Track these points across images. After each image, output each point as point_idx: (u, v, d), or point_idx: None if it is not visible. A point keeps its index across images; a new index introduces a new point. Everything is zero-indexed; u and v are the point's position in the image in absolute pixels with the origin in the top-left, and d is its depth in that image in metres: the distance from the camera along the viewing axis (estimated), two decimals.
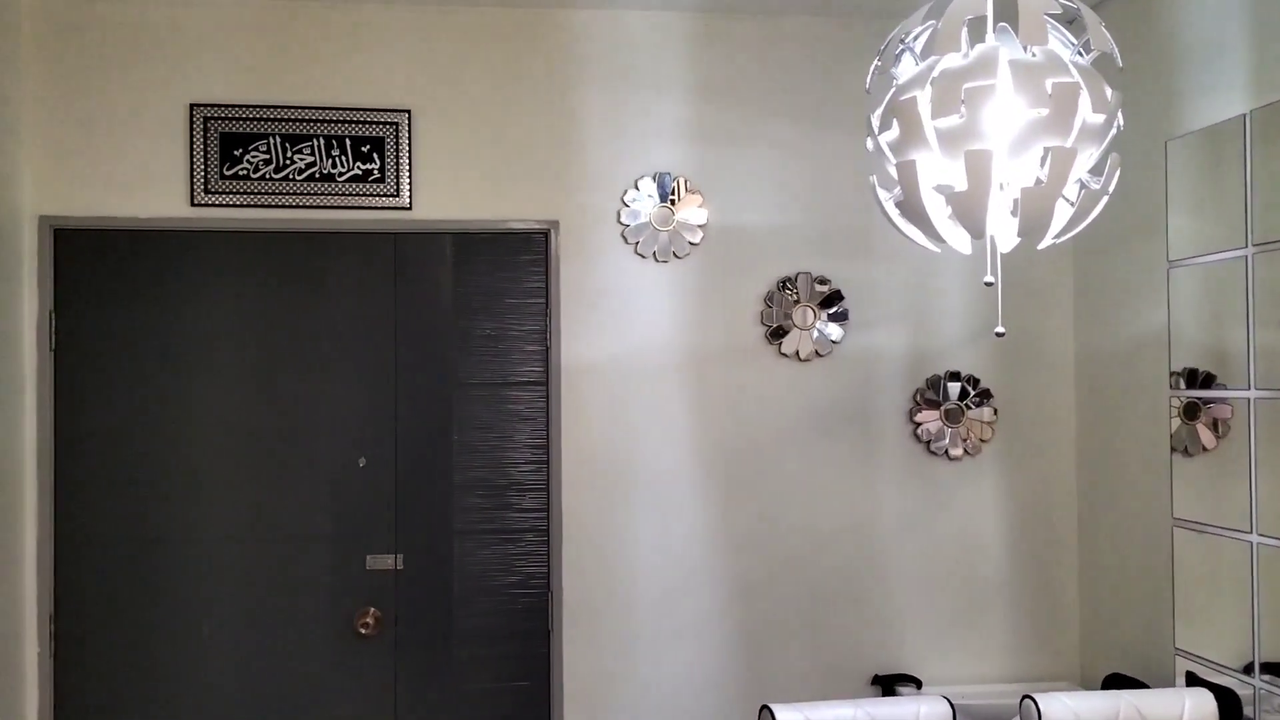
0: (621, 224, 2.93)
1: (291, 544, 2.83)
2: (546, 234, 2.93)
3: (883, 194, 1.59)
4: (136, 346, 2.80)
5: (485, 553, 2.90)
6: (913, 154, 1.48)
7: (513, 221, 2.91)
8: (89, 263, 2.79)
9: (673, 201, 2.94)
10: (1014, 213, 1.47)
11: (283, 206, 2.82)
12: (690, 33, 2.98)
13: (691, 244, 2.95)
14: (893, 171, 1.54)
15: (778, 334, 2.98)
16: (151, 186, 2.79)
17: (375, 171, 2.85)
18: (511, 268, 2.93)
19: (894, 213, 1.59)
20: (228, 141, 2.79)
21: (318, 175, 2.83)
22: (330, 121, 2.83)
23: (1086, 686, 3.02)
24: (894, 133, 1.51)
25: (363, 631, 2.82)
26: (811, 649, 3.00)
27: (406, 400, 2.88)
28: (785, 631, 2.99)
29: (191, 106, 2.78)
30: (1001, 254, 1.58)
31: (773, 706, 1.85)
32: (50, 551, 2.76)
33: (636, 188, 2.93)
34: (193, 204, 2.79)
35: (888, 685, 2.98)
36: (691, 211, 2.95)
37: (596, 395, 2.93)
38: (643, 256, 2.95)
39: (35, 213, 2.75)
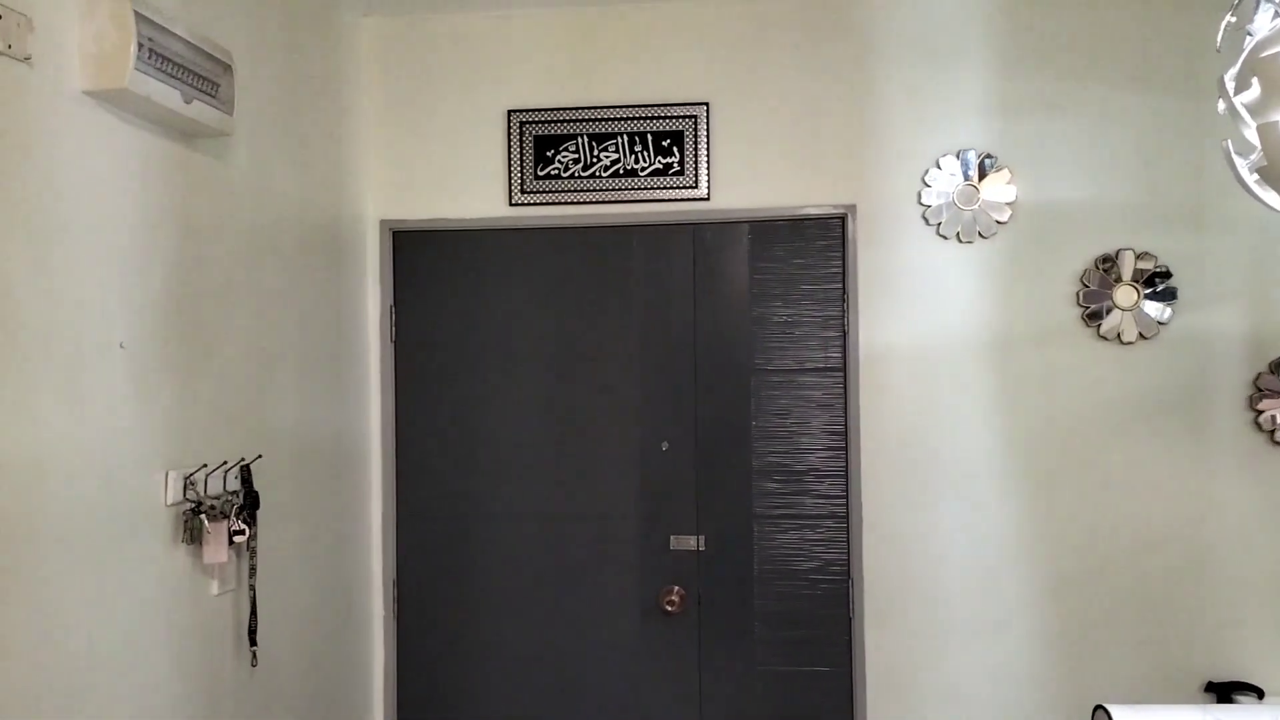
0: (922, 205, 2.85)
1: (600, 523, 2.98)
2: (843, 218, 2.91)
3: (1239, 160, 1.46)
4: (462, 337, 3.04)
5: (784, 537, 2.92)
6: (1277, 115, 1.34)
7: (809, 207, 2.90)
8: (422, 261, 3.05)
9: (978, 179, 2.82)
10: None
11: (589, 203, 2.97)
12: (994, 1, 2.85)
13: (998, 223, 2.82)
14: (1251, 136, 1.41)
15: (1095, 315, 2.79)
16: (475, 189, 3.01)
17: (675, 164, 2.93)
18: (808, 254, 2.93)
19: (1252, 180, 1.45)
20: (541, 144, 2.96)
21: (621, 171, 2.95)
22: (633, 119, 2.95)
23: None
24: (1253, 93, 1.38)
25: (668, 609, 2.92)
26: (1135, 651, 2.79)
27: (705, 387, 2.95)
28: (1105, 631, 2.80)
29: (509, 112, 2.98)
30: None
31: (1109, 707, 1.75)
32: (393, 523, 3.06)
33: (938, 166, 2.84)
34: (510, 204, 2.99)
35: (1223, 693, 2.73)
36: (998, 188, 2.82)
37: (897, 381, 2.87)
38: (945, 238, 2.85)
39: (377, 217, 3.04)
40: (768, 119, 2.92)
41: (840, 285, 2.91)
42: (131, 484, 1.92)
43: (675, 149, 2.93)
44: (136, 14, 1.78)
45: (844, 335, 2.91)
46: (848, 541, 2.90)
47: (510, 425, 3.02)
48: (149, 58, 1.83)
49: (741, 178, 2.93)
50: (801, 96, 2.91)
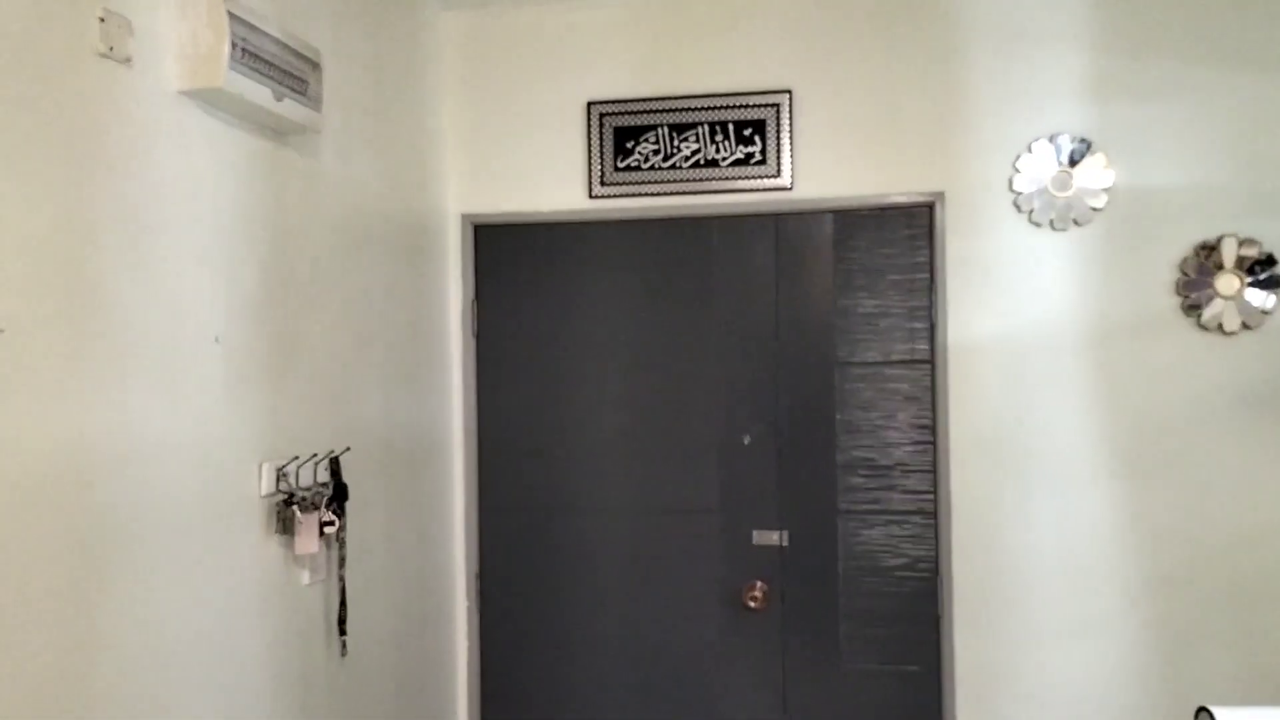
0: (1014, 192, 2.77)
1: (682, 517, 2.96)
2: (931, 207, 2.84)
3: None
4: (542, 330, 3.04)
5: (870, 533, 2.87)
6: None
7: (895, 196, 2.84)
8: (502, 254, 3.06)
9: (1071, 164, 2.73)
10: None
11: (670, 194, 2.94)
12: None
13: (1094, 209, 2.73)
14: None
15: (1195, 305, 2.69)
16: (554, 182, 3.01)
17: (757, 154, 2.89)
18: (894, 243, 2.87)
19: None
20: (620, 135, 2.95)
21: (702, 161, 2.92)
22: (714, 108, 2.91)
23: None
24: None
25: (751, 605, 2.89)
26: (1241, 652, 2.69)
27: (788, 380, 2.91)
28: (1208, 631, 2.70)
29: (589, 104, 2.97)
30: None
31: (1214, 710, 1.68)
32: (475, 516, 3.08)
33: (1030, 152, 2.75)
34: (590, 196, 2.98)
35: None
36: (1094, 174, 2.72)
37: (987, 373, 2.80)
38: (1037, 225, 2.77)
39: (458, 211, 3.06)
40: (852, 106, 2.87)
41: (928, 275, 2.85)
42: (227, 475, 1.96)
43: (757, 138, 2.89)
44: (230, 14, 1.81)
45: (931, 327, 2.84)
46: (936, 538, 2.84)
47: (590, 418, 3.02)
48: (242, 57, 1.85)
49: (825, 166, 2.88)
50: (887, 82, 2.85)
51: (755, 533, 2.92)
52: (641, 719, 2.99)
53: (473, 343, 3.07)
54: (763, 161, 2.89)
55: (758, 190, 2.90)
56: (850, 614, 2.88)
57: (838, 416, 2.88)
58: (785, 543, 2.90)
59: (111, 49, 1.65)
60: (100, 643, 1.62)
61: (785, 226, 2.92)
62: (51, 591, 1.52)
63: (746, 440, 2.93)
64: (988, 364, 2.80)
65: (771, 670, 2.92)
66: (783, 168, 2.88)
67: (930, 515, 2.85)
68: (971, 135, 2.81)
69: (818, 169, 2.88)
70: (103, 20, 1.63)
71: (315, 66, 2.12)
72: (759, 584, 2.91)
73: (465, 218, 3.06)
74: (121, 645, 1.66)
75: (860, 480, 2.88)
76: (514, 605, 3.07)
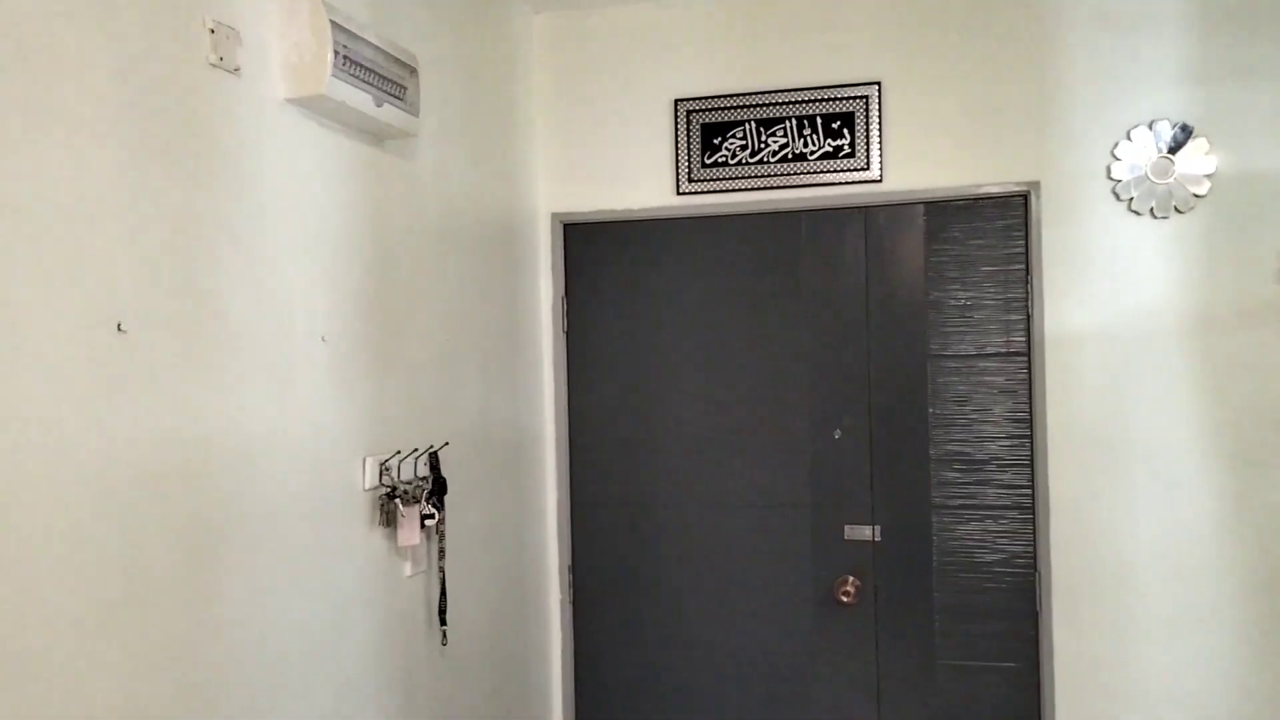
0: (1111, 179, 2.71)
1: (773, 512, 2.96)
2: (1025, 196, 2.79)
3: None
4: (631, 326, 3.07)
5: (964, 528, 2.83)
6: None
7: (988, 186, 2.80)
8: (592, 252, 3.10)
9: (1172, 151, 2.66)
10: None
11: (757, 189, 2.94)
12: None
13: (1196, 196, 2.65)
14: None
15: None
16: (642, 179, 3.04)
17: (845, 146, 2.88)
18: (987, 234, 2.82)
19: None
20: (708, 131, 2.96)
21: (790, 155, 2.91)
22: (801, 102, 2.91)
23: None
24: None
25: (843, 600, 2.88)
26: None
27: (879, 373, 2.89)
28: None
29: (676, 101, 2.99)
30: None
31: None
32: (567, 511, 3.12)
33: (1129, 139, 2.69)
34: (678, 193, 3.00)
35: None
36: (1195, 160, 2.64)
37: (1085, 365, 2.74)
38: (1137, 214, 2.70)
39: (548, 210, 3.11)
40: (943, 96, 2.83)
41: (1023, 266, 2.80)
42: (333, 470, 2.03)
43: (846, 131, 2.87)
44: (333, 23, 1.87)
45: (1028, 318, 2.79)
46: (1034, 533, 2.79)
47: (680, 413, 3.04)
48: (344, 64, 1.91)
49: (916, 158, 2.85)
50: (978, 71, 2.81)
51: (847, 528, 2.91)
52: (733, 713, 3.00)
53: (563, 340, 3.12)
54: (851, 154, 2.87)
55: (847, 183, 2.88)
56: (945, 610, 2.84)
57: (930, 410, 2.85)
58: (878, 537, 2.88)
59: (221, 59, 1.73)
60: (217, 632, 1.69)
61: (875, 219, 2.90)
62: (171, 582, 1.59)
63: (837, 434, 2.91)
64: (1087, 355, 2.73)
65: (864, 665, 2.90)
66: (872, 160, 2.86)
67: (1027, 510, 2.80)
68: (1067, 123, 2.75)
69: (908, 160, 2.86)
70: (213, 32, 1.71)
71: (413, 72, 2.18)
72: (851, 579, 2.89)
73: (555, 216, 3.10)
74: (238, 634, 1.74)
75: (954, 475, 2.84)
76: (606, 599, 3.10)
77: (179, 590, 1.60)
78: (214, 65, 1.71)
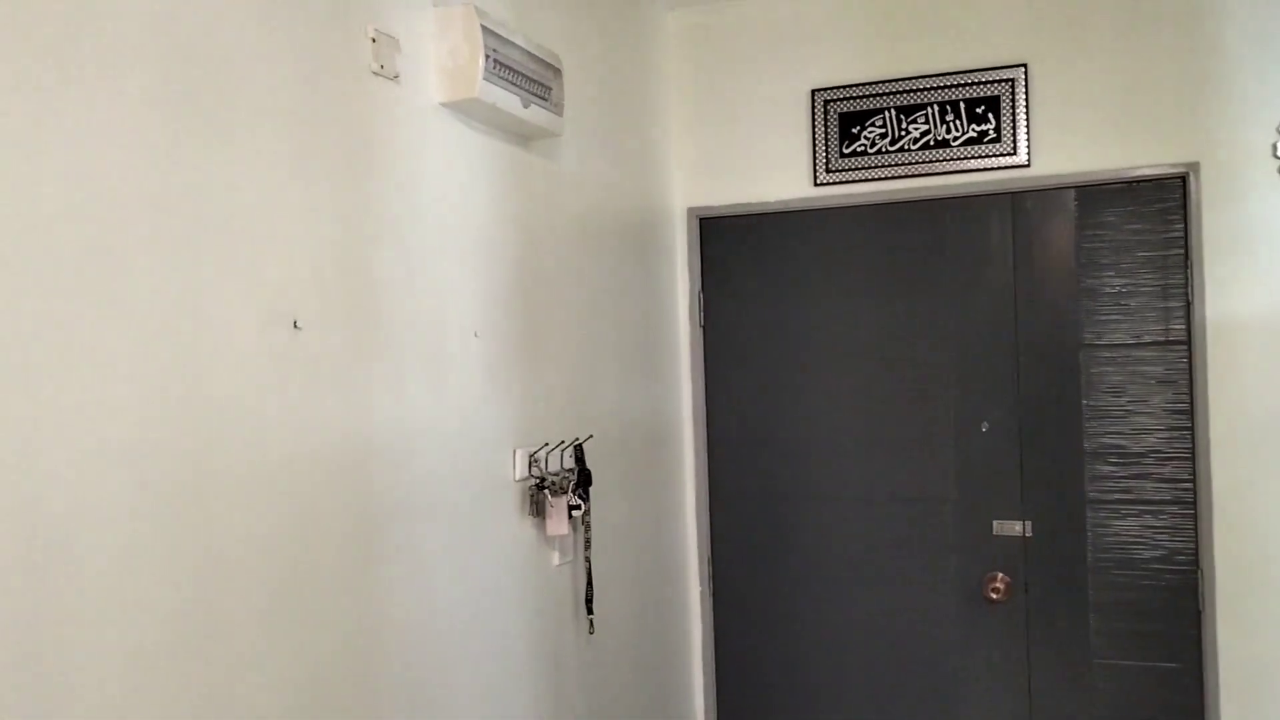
0: (1278, 158, 2.56)
1: (917, 506, 2.91)
2: (1184, 178, 2.67)
3: None
4: (769, 319, 3.06)
5: (1120, 523, 2.73)
6: None
7: (1143, 169, 2.69)
8: (728, 246, 3.10)
9: None
10: None
11: (898, 178, 2.90)
12: None
13: None
14: None
15: None
16: (779, 171, 3.02)
17: (990, 131, 2.80)
18: (1142, 219, 2.71)
19: None
20: (846, 121, 2.93)
21: (932, 143, 2.86)
22: (943, 87, 2.84)
23: None
24: None
25: (993, 597, 2.81)
26: None
27: (1028, 364, 2.81)
28: None
29: (813, 92, 2.96)
30: None
31: None
32: (706, 503, 3.14)
33: None
34: (815, 184, 2.97)
35: None
36: None
37: (1252, 353, 2.60)
38: None
39: (684, 205, 3.12)
40: (1093, 77, 2.73)
41: (1182, 251, 2.68)
42: (485, 460, 2.09)
43: (991, 115, 2.80)
44: (484, 28, 1.93)
45: (1188, 305, 2.67)
46: (1195, 529, 2.67)
47: (820, 406, 3.01)
48: (494, 68, 1.97)
49: (1065, 141, 2.76)
50: (1130, 50, 2.69)
51: (996, 522, 2.83)
52: (877, 709, 2.96)
53: (700, 334, 3.13)
54: (997, 139, 2.79)
55: (992, 169, 2.81)
56: (1100, 607, 2.75)
57: (1084, 401, 2.76)
58: (1028, 533, 2.80)
59: (382, 67, 1.80)
60: (381, 618, 1.77)
61: (1023, 205, 2.81)
62: (340, 569, 1.67)
63: (984, 427, 2.84)
64: (1253, 343, 2.60)
65: (1014, 664, 2.83)
66: (1019, 144, 2.78)
67: (1188, 505, 2.68)
68: (1228, 101, 2.61)
69: (1057, 144, 2.76)
70: (374, 40, 1.78)
71: (557, 72, 2.22)
72: (1000, 575, 2.82)
73: (691, 211, 3.12)
74: (400, 620, 1.81)
75: (1110, 468, 2.74)
76: (746, 592, 3.11)
77: (346, 578, 1.68)
78: (375, 73, 1.78)
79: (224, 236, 1.46)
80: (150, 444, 1.33)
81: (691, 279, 3.13)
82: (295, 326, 1.58)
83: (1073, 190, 2.76)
